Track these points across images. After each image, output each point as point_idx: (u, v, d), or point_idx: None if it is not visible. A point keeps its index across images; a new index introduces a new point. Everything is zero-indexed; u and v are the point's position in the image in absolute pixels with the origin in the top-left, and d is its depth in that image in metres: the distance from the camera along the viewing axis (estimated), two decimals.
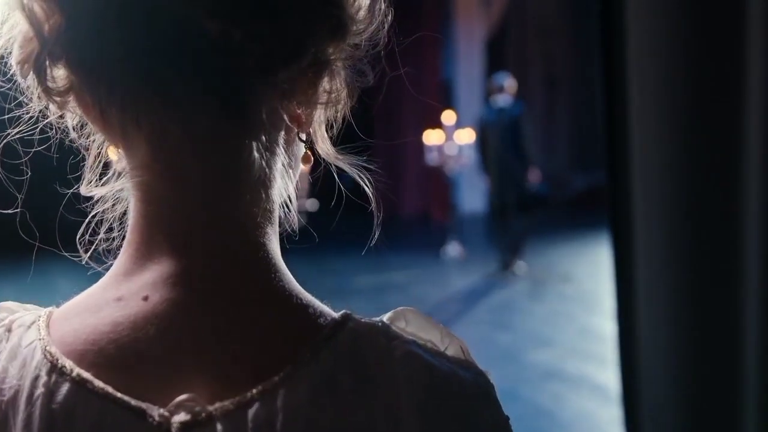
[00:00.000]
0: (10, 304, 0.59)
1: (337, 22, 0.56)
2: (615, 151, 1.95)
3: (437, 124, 8.77)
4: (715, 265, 1.79)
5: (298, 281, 0.58)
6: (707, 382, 1.83)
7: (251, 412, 0.50)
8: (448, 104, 10.81)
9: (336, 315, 0.56)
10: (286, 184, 0.61)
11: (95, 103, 0.54)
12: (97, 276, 0.61)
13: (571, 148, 14.65)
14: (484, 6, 11.90)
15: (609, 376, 4.24)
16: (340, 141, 0.66)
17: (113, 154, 0.61)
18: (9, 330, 0.55)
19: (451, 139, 8.23)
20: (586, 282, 7.11)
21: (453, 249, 8.56)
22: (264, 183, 0.57)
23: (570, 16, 14.04)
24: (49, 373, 0.51)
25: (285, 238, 0.63)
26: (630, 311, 1.97)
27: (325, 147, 0.64)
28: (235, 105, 0.54)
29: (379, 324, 0.57)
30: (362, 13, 0.59)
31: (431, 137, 8.32)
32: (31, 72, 0.55)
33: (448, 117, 8.28)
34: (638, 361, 1.97)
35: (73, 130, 0.62)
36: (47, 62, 0.54)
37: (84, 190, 0.65)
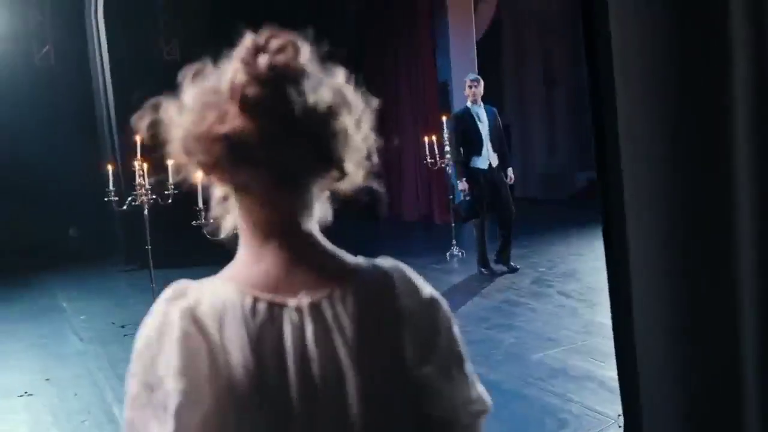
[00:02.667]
0: (186, 282, 1.09)
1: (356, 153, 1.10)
2: (604, 149, 1.95)
3: (435, 126, 8.74)
4: (709, 258, 1.78)
5: None
6: (705, 373, 1.83)
7: (325, 303, 1.06)
8: (446, 106, 10.79)
9: (353, 259, 1.13)
10: (321, 206, 1.14)
11: (234, 176, 1.06)
12: None
13: (572, 146, 14.62)
14: (478, 6, 11.88)
15: (614, 372, 4.23)
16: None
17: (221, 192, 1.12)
18: (203, 294, 1.05)
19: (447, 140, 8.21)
20: (589, 279, 7.10)
21: (455, 251, 8.55)
22: (312, 207, 1.11)
23: (569, 14, 14.02)
24: (242, 297, 1.04)
25: None
26: (625, 306, 1.97)
27: (348, 183, 1.12)
28: (302, 184, 1.09)
29: (375, 263, 1.14)
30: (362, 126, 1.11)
31: (429, 140, 8.32)
32: (200, 147, 1.05)
33: (445, 119, 8.26)
34: (636, 356, 1.96)
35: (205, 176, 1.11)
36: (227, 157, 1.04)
37: (212, 215, 1.14)
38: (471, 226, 7.77)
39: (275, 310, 1.03)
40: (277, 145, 1.01)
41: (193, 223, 5.78)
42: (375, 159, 1.11)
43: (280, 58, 1.01)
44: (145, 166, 6.43)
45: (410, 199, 11.76)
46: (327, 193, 1.13)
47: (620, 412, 3.30)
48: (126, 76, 9.40)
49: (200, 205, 5.74)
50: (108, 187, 6.91)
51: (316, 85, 1.03)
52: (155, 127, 1.06)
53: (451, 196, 8.71)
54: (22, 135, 10.17)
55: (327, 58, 1.07)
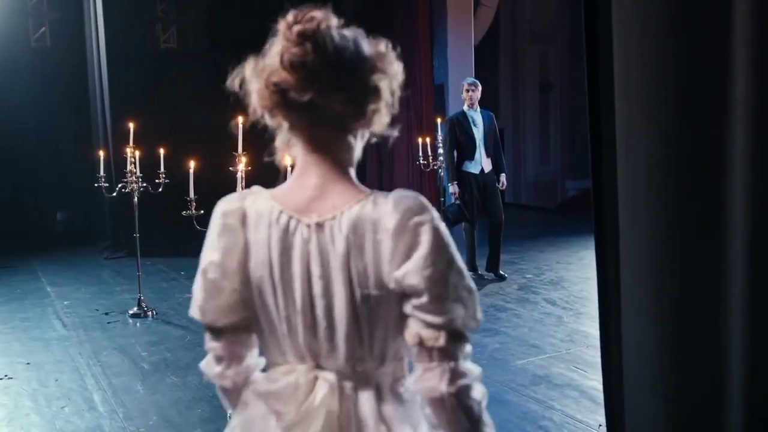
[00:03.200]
0: (248, 190, 1.47)
1: (378, 94, 1.40)
2: (600, 158, 1.94)
3: (429, 128, 8.70)
4: (699, 271, 1.78)
5: None
6: (690, 387, 1.82)
7: (327, 223, 1.36)
8: (441, 109, 10.78)
9: (369, 192, 1.39)
10: (359, 150, 1.45)
11: (285, 116, 1.39)
12: None
13: (565, 154, 14.66)
14: (477, 10, 11.88)
15: (597, 381, 4.24)
16: None
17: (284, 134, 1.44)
18: (255, 201, 1.43)
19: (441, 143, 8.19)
20: (576, 288, 7.12)
21: None
22: (351, 149, 1.43)
23: (565, 23, 14.05)
24: (272, 209, 1.40)
25: None
26: (614, 316, 1.96)
27: (379, 125, 1.43)
28: (342, 127, 1.40)
29: (385, 193, 1.36)
30: (394, 68, 1.44)
31: (423, 141, 8.30)
32: (267, 94, 1.37)
33: (440, 121, 8.25)
34: (621, 367, 1.96)
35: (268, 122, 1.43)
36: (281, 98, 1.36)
37: (274, 146, 1.46)
38: (461, 230, 7.77)
39: (292, 224, 1.38)
40: (309, 92, 1.32)
41: (184, 213, 5.75)
42: (396, 108, 1.44)
43: (308, 27, 1.34)
44: (137, 153, 6.39)
45: None
46: (361, 139, 1.44)
47: (602, 422, 3.30)
48: (121, 63, 9.35)
49: (191, 195, 5.71)
50: (98, 172, 6.86)
51: (342, 47, 1.35)
52: (242, 85, 1.41)
53: (442, 199, 8.70)
54: (14, 116, 10.09)
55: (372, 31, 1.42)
